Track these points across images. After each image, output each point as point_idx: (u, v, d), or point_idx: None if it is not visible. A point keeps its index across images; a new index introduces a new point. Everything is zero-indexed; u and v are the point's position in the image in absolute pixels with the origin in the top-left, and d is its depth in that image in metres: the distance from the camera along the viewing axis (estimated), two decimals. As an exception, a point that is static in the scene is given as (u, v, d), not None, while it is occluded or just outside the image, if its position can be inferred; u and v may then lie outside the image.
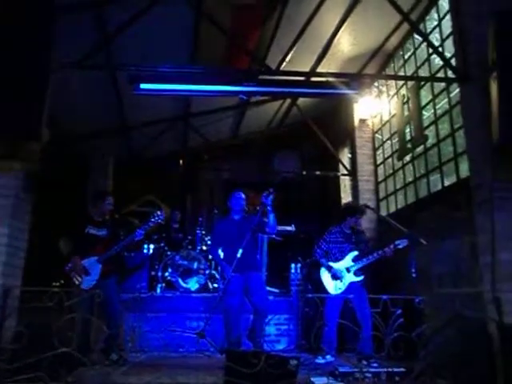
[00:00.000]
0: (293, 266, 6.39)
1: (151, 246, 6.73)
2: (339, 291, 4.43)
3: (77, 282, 4.07)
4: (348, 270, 4.45)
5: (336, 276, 4.45)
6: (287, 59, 5.07)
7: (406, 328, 3.38)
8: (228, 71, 4.46)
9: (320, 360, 4.27)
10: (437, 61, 5.28)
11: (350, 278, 4.43)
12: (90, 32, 4.18)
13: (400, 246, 4.22)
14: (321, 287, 4.59)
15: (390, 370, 3.54)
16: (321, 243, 4.67)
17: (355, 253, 4.48)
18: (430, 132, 5.45)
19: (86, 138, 6.36)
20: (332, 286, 4.48)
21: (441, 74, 5.15)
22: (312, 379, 3.51)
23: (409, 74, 6.04)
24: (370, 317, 4.06)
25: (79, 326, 3.86)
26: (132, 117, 6.52)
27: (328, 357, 4.33)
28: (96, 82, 5.22)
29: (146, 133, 7.05)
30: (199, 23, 4.66)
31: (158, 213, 4.37)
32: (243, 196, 4.49)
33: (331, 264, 4.51)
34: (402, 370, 3.53)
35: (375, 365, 3.88)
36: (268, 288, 6.58)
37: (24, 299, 3.60)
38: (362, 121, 7.21)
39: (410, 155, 5.92)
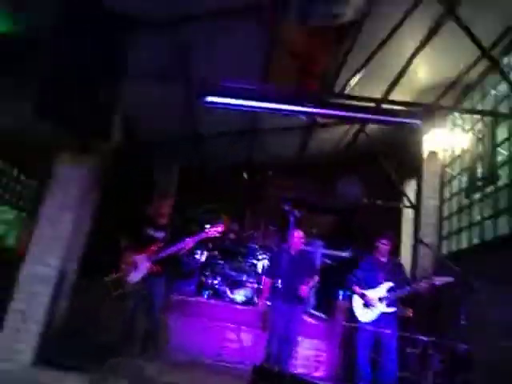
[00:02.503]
0: (341, 292, 6.26)
1: (205, 253, 6.96)
2: (369, 320, 4.27)
3: (124, 273, 4.31)
4: (380, 299, 4.28)
5: (367, 304, 4.30)
6: (352, 84, 5.04)
7: (444, 375, 3.17)
8: (291, 91, 4.56)
9: None
10: (518, 98, 4.97)
11: (382, 308, 4.25)
12: (167, 47, 4.49)
13: (437, 283, 3.97)
14: (353, 316, 4.47)
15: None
16: (355, 271, 4.58)
17: (390, 283, 4.30)
18: (504, 172, 5.10)
19: (157, 145, 6.78)
20: (362, 314, 4.35)
21: (521, 112, 4.84)
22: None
23: (487, 108, 5.72)
24: (395, 353, 3.87)
25: (127, 316, 4.11)
26: (201, 127, 6.84)
27: None
28: (171, 94, 5.57)
29: (213, 143, 7.36)
30: (272, 44, 4.82)
31: (215, 228, 4.53)
32: (301, 235, 4.73)
33: (364, 291, 4.37)
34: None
35: None
36: (314, 312, 6.52)
37: (78, 285, 3.92)
38: (432, 153, 6.90)
39: (480, 194, 5.57)
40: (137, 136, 6.12)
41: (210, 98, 4.18)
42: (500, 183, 5.15)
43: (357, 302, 4.47)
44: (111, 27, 3.12)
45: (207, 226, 4.67)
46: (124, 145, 4.31)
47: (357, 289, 4.46)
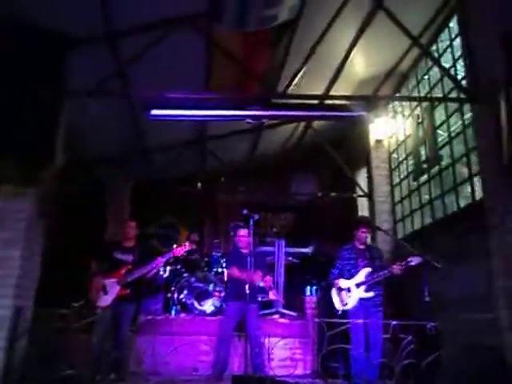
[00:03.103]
0: (308, 288, 6.33)
1: (167, 268, 6.79)
2: (346, 307, 4.35)
3: (93, 298, 4.24)
4: (358, 285, 4.36)
5: (342, 290, 4.40)
6: (294, 83, 5.13)
7: (417, 355, 3.27)
8: (236, 97, 4.56)
9: None
10: (450, 81, 5.24)
11: (359, 293, 4.32)
12: (106, 61, 4.36)
13: (412, 264, 4.11)
14: (333, 308, 4.53)
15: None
16: (336, 262, 4.65)
17: (368, 269, 4.40)
18: (445, 152, 5.37)
19: (105, 163, 6.56)
20: (338, 301, 4.44)
21: (454, 94, 5.10)
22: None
23: (423, 94, 6.01)
24: (381, 344, 3.95)
25: (97, 342, 3.99)
26: (150, 140, 6.69)
27: None
28: (114, 109, 5.41)
29: (163, 156, 7.22)
30: (210, 51, 4.79)
31: (182, 247, 4.52)
32: (246, 233, 4.61)
33: (341, 280, 4.45)
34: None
35: None
36: (284, 310, 6.54)
37: (37, 320, 3.69)
38: (378, 141, 7.16)
39: (426, 176, 5.83)
40: (84, 156, 5.88)
41: (154, 112, 4.09)
42: (443, 163, 5.42)
43: (334, 291, 4.54)
44: (46, 46, 2.96)
45: (174, 245, 4.66)
46: (70, 167, 4.11)
47: (337, 282, 4.51)
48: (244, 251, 4.58)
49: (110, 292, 4.27)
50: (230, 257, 5.05)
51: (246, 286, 3.96)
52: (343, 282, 4.44)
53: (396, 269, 4.12)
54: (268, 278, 4.72)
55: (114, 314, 4.25)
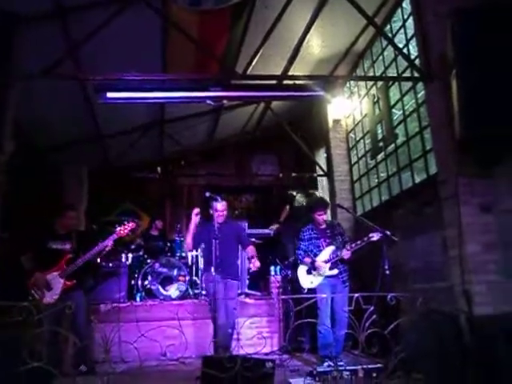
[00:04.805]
0: (272, 268, 6.43)
1: (130, 255, 6.67)
2: (312, 285, 4.50)
3: (37, 297, 4.01)
4: (325, 262, 4.48)
5: (312, 270, 4.52)
6: (253, 63, 5.08)
7: (380, 325, 3.43)
8: (195, 78, 4.47)
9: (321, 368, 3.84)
10: (404, 60, 5.39)
11: (326, 271, 4.45)
12: (56, 42, 4.13)
13: (374, 239, 4.27)
14: (298, 286, 4.64)
15: (366, 366, 3.61)
16: (299, 244, 4.74)
17: (332, 247, 4.53)
18: (400, 130, 5.55)
19: (58, 149, 6.28)
20: (306, 281, 4.56)
21: (408, 74, 5.25)
22: (290, 380, 3.55)
23: (378, 74, 6.14)
24: (346, 318, 4.11)
25: (46, 340, 3.82)
26: (105, 125, 6.47)
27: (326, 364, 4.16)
28: (66, 92, 5.16)
29: (121, 141, 7.01)
30: (167, 31, 4.66)
31: (125, 226, 4.35)
32: (225, 204, 4.61)
33: (315, 260, 4.53)
34: (379, 366, 3.59)
35: (342, 363, 3.87)
36: (249, 291, 6.63)
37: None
38: (336, 121, 7.29)
39: (383, 154, 6.02)
40: (37, 143, 5.58)
41: (109, 94, 3.94)
42: (398, 141, 5.61)
43: (301, 271, 4.64)
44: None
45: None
46: (21, 154, 3.90)
47: (307, 259, 4.60)
48: (220, 225, 4.46)
49: (54, 287, 4.07)
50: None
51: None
52: (311, 261, 4.54)
53: (361, 244, 4.28)
54: (251, 247, 4.72)
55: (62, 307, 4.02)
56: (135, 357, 4.91)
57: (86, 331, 4.35)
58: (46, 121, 5.51)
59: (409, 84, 5.30)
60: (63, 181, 7.04)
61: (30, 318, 3.27)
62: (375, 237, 4.26)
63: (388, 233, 4.24)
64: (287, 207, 7.81)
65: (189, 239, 4.62)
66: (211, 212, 4.55)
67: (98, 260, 4.55)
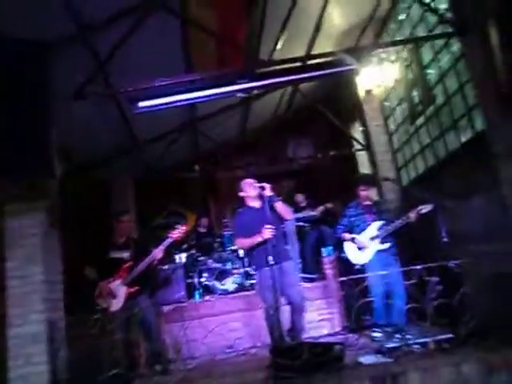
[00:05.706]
0: (323, 249, 6.39)
1: (183, 255, 6.84)
2: (366, 261, 4.44)
3: (105, 306, 4.18)
4: (372, 238, 4.42)
5: (360, 247, 4.46)
6: (278, 47, 5.00)
7: (446, 294, 3.33)
8: (221, 73, 4.45)
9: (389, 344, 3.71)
10: (432, 17, 5.12)
11: (376, 246, 4.40)
12: (85, 61, 4.22)
13: (423, 211, 4.14)
14: (350, 264, 4.59)
15: (436, 338, 3.52)
16: (341, 220, 4.71)
17: (378, 222, 4.45)
18: (438, 90, 5.30)
19: (101, 165, 6.48)
20: (357, 257, 4.51)
21: (439, 31, 4.99)
22: (360, 359, 3.52)
23: (405, 35, 5.88)
24: (403, 290, 4.03)
25: (121, 346, 3.99)
26: (142, 133, 6.60)
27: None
28: (101, 108, 5.30)
29: (157, 146, 7.14)
30: (186, 30, 4.66)
31: (178, 230, 4.41)
32: (252, 181, 4.08)
33: (354, 236, 4.50)
34: (449, 336, 3.49)
35: (409, 337, 3.73)
36: (304, 275, 6.63)
37: (69, 329, 3.74)
38: (368, 92, 7.07)
39: (422, 118, 5.79)
40: (82, 161, 5.80)
41: (141, 104, 4.00)
42: (438, 102, 5.37)
43: (349, 247, 4.60)
44: (18, 56, 2.86)
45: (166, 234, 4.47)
46: (69, 175, 4.07)
47: (346, 235, 4.57)
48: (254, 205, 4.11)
49: (118, 295, 4.22)
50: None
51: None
52: (359, 236, 4.48)
53: (410, 217, 4.15)
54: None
55: (133, 313, 4.18)
56: (202, 352, 5.11)
57: (157, 333, 4.46)
58: (84, 139, 5.69)
59: (441, 41, 5.04)
60: (112, 195, 7.29)
61: (104, 328, 3.43)
62: (424, 209, 4.12)
63: (439, 201, 4.08)
64: None
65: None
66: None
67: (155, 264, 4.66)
